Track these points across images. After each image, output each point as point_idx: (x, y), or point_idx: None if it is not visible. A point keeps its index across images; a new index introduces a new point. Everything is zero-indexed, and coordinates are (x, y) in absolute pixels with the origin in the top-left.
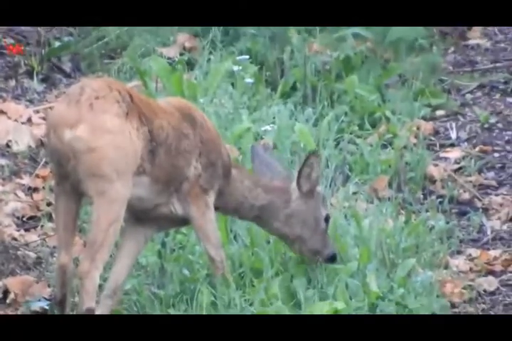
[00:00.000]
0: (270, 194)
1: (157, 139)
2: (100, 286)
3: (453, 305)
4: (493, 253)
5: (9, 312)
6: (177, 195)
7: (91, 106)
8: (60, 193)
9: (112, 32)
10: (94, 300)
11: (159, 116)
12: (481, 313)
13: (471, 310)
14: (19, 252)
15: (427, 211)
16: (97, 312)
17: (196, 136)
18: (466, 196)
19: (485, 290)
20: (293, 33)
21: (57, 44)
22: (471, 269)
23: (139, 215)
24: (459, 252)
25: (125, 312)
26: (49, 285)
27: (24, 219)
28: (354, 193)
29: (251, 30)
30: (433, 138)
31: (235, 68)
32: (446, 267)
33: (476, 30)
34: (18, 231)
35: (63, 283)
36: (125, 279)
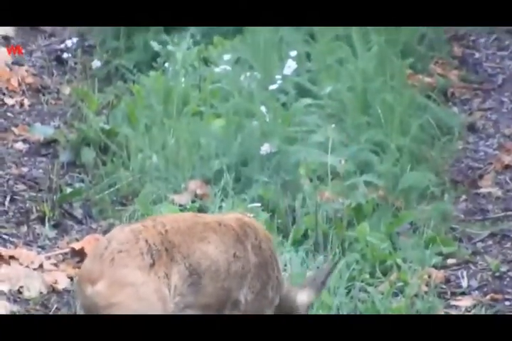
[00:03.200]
0: None
1: (199, 270)
2: None
3: None
4: None
5: None
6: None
7: (112, 261)
8: None
9: (124, 178)
10: None
11: (206, 241)
12: None
13: None
14: None
15: None
16: None
17: (248, 260)
18: None
19: None
20: (304, 180)
21: (68, 190)
22: None
23: None
24: None
25: None
26: None
27: None
28: None
29: (263, 177)
30: (444, 287)
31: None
32: None
33: (488, 179)
34: None
35: None
36: None
